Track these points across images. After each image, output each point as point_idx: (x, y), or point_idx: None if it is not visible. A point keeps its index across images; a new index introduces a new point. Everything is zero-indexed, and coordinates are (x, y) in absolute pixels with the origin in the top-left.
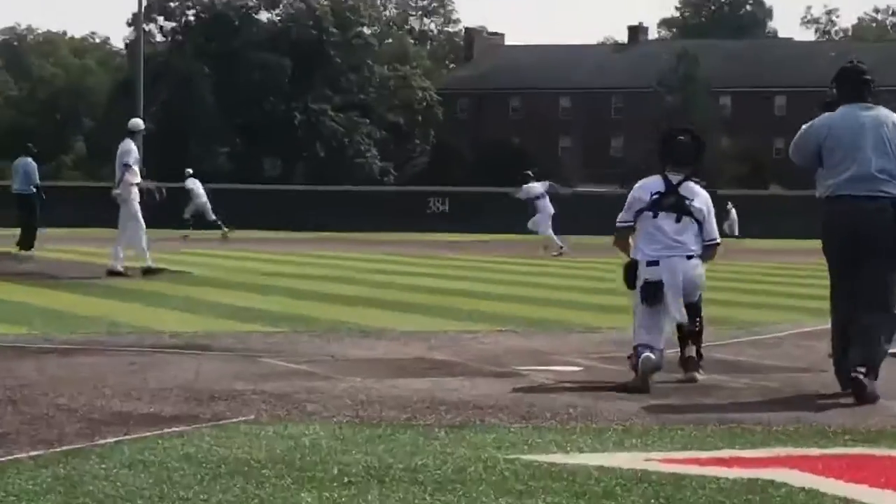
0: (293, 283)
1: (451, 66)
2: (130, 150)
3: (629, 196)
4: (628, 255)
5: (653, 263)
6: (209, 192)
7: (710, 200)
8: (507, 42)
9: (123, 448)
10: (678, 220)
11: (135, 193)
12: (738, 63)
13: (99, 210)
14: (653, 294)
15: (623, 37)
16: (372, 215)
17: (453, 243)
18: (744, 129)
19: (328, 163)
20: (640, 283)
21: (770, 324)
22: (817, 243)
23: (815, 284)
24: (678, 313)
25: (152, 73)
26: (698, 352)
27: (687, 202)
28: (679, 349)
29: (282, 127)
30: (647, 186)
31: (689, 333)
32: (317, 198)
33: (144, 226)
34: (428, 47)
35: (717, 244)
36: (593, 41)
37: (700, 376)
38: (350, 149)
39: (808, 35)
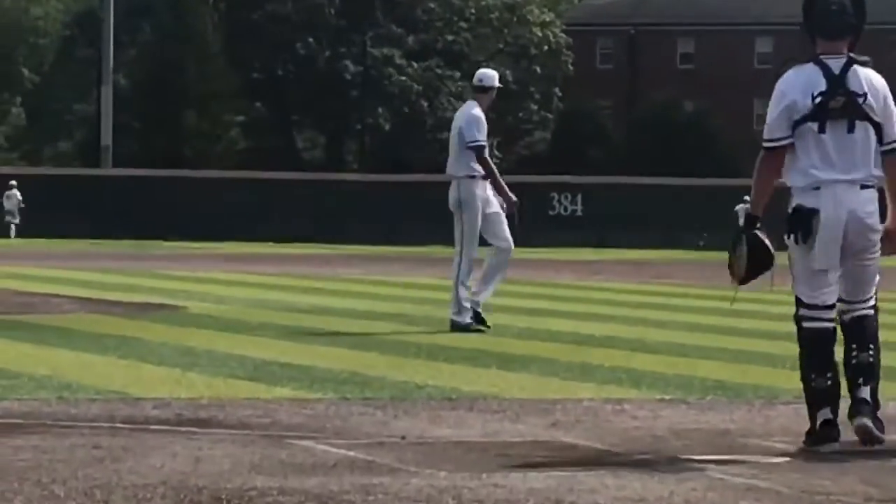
0: (342, 325)
1: None
2: (480, 120)
3: (775, 98)
4: (768, 191)
5: (811, 189)
6: (223, 183)
7: (886, 87)
8: None
9: None
10: (851, 129)
11: (481, 192)
12: None
13: (47, 208)
14: (803, 224)
15: None
16: None
17: (589, 263)
18: None
19: (397, 139)
20: (789, 208)
21: None
22: None
23: None
24: (826, 259)
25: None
26: (874, 395)
27: (860, 100)
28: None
29: (325, 84)
30: (804, 83)
31: (861, 366)
32: (379, 193)
33: (477, 244)
34: None
35: None
36: None
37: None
38: (430, 117)
39: None
